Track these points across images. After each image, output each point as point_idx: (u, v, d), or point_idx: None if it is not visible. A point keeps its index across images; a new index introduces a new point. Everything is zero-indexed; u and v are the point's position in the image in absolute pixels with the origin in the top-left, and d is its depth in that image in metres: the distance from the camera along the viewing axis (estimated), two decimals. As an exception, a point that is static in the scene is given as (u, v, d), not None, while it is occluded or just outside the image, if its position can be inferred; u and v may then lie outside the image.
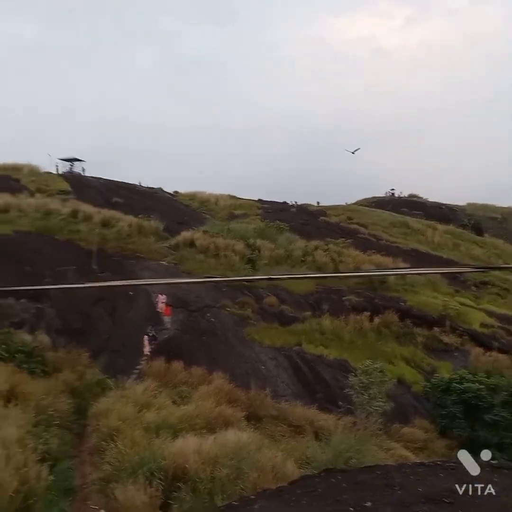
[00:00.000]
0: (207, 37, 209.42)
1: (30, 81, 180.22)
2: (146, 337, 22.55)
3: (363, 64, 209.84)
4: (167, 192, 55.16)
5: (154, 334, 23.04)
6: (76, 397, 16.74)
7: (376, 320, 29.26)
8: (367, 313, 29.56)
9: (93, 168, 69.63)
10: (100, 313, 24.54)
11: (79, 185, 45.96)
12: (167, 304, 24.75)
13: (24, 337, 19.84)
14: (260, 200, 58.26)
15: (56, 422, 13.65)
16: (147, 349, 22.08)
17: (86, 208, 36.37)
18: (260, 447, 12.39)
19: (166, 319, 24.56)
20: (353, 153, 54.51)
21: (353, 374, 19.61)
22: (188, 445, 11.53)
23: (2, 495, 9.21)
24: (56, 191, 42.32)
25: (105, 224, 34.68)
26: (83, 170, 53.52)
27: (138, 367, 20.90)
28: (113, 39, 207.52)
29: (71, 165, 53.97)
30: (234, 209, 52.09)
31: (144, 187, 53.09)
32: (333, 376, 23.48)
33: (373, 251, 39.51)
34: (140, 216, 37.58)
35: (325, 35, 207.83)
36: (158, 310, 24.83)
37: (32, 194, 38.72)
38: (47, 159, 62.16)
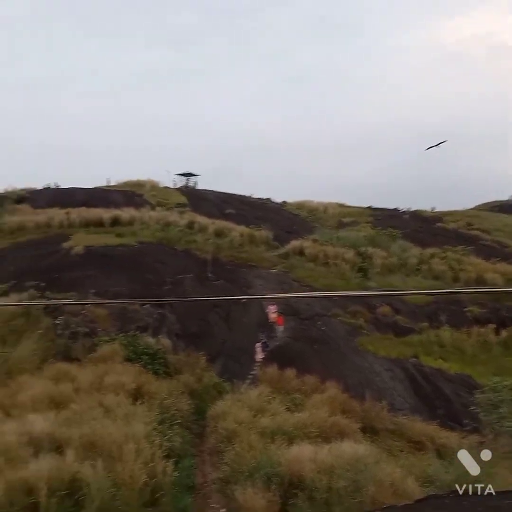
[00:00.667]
0: (316, 52, 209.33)
1: (156, 102, 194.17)
2: (258, 344, 23.00)
3: (480, 64, 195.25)
4: (276, 202, 56.08)
5: (266, 341, 23.42)
6: (195, 398, 17.46)
7: (503, 333, 26.91)
8: (492, 326, 27.33)
9: (207, 181, 73.09)
10: (216, 319, 25.52)
11: (195, 198, 48.62)
12: (279, 313, 25.01)
13: (148, 340, 21.17)
14: (370, 207, 56.72)
15: (178, 421, 14.27)
16: (260, 356, 22.49)
17: (201, 219, 38.47)
18: (378, 461, 11.87)
19: (279, 328, 24.82)
20: (437, 146, 50.26)
21: (479, 390, 18.13)
22: (303, 453, 11.42)
23: (133, 487, 9.88)
24: (174, 204, 45.15)
25: (219, 234, 36.31)
26: (196, 183, 56.64)
27: (252, 372, 21.34)
28: (230, 60, 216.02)
29: (187, 180, 57.29)
30: (343, 217, 51.33)
31: (255, 198, 54.58)
32: (455, 392, 21.94)
33: (498, 259, 36.46)
34: (251, 226, 38.75)
35: (439, 36, 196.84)
36: (270, 321, 25.17)
37: (153, 208, 41.68)
38: (166, 175, 66.66)
